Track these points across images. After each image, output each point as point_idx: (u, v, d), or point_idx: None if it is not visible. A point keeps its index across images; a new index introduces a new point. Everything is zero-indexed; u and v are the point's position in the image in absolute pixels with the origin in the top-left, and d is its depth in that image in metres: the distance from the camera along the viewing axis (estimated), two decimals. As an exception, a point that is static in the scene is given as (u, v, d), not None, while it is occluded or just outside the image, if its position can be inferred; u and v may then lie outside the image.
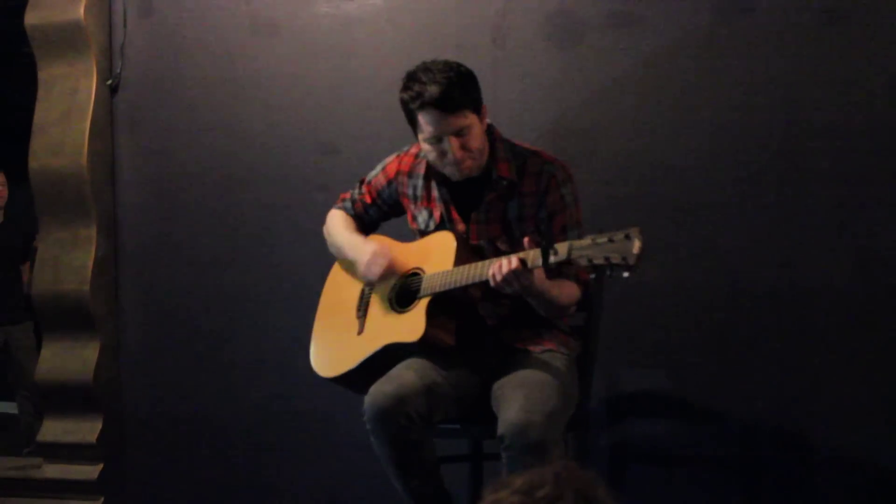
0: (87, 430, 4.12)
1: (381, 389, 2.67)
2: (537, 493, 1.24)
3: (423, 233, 2.92)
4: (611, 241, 2.40)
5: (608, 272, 2.41)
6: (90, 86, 4.09)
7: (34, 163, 4.18)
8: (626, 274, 2.39)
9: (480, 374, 2.80)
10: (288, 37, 3.91)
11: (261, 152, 3.96)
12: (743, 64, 3.33)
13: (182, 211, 4.09)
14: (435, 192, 2.89)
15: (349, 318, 2.98)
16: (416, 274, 2.86)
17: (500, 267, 2.56)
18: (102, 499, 4.10)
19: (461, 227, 2.85)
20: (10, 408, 6.48)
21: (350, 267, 3.03)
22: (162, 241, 4.13)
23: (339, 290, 3.04)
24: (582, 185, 2.90)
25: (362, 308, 2.96)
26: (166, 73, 4.09)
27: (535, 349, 2.81)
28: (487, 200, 2.81)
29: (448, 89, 2.69)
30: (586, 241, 2.44)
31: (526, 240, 2.56)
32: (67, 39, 4.10)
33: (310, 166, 3.88)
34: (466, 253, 2.79)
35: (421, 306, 2.78)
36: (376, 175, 3.03)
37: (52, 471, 4.18)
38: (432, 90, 2.69)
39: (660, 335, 3.44)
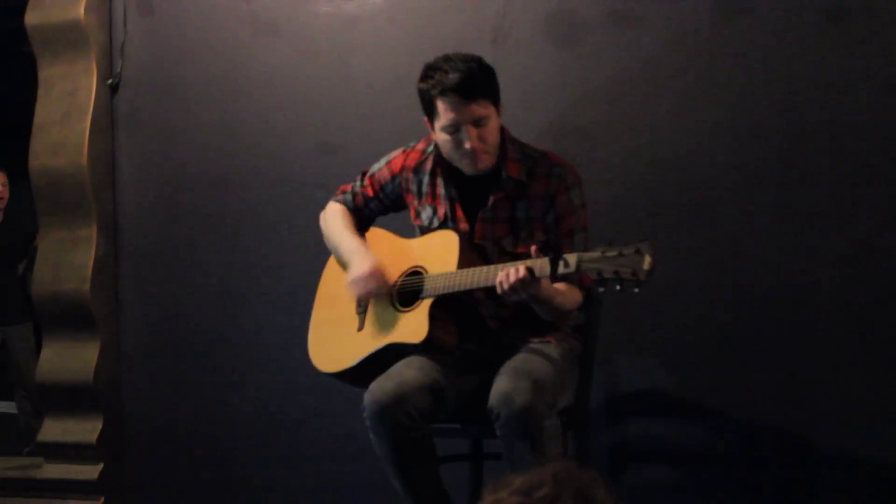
0: (87, 430, 4.12)
1: (382, 387, 2.67)
2: (537, 493, 1.24)
3: (426, 230, 2.91)
4: (621, 254, 2.39)
5: (618, 287, 2.40)
6: (90, 85, 4.09)
7: (34, 162, 4.18)
8: (636, 290, 2.38)
9: (481, 374, 2.80)
10: (288, 36, 3.91)
11: (261, 152, 3.95)
12: (743, 64, 3.33)
13: (182, 210, 4.09)
14: (440, 190, 2.88)
15: (348, 312, 2.97)
16: (417, 273, 2.86)
17: (507, 275, 2.56)
18: (103, 499, 4.10)
19: (464, 226, 2.85)
20: (10, 408, 6.48)
21: None
22: (162, 240, 4.13)
23: (338, 283, 3.02)
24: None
25: (362, 304, 2.95)
26: (166, 72, 4.09)
27: (534, 339, 2.82)
28: (495, 200, 2.81)
29: (469, 77, 2.71)
30: (596, 253, 2.43)
31: (534, 248, 2.56)
32: (68, 39, 4.10)
33: (310, 165, 3.88)
34: (469, 253, 2.79)
35: (424, 307, 2.77)
36: (380, 169, 3.01)
37: (53, 471, 4.18)
38: (454, 77, 2.70)
39: (660, 335, 3.44)
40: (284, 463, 3.94)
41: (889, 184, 3.21)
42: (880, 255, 3.22)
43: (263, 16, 3.94)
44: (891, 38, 3.20)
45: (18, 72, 5.48)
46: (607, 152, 3.48)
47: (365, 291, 2.88)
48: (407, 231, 3.01)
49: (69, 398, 4.14)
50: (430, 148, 2.92)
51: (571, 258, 2.46)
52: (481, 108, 2.73)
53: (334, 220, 3.06)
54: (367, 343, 2.88)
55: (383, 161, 3.01)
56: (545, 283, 2.59)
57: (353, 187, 3.07)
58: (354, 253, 2.95)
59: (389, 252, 2.96)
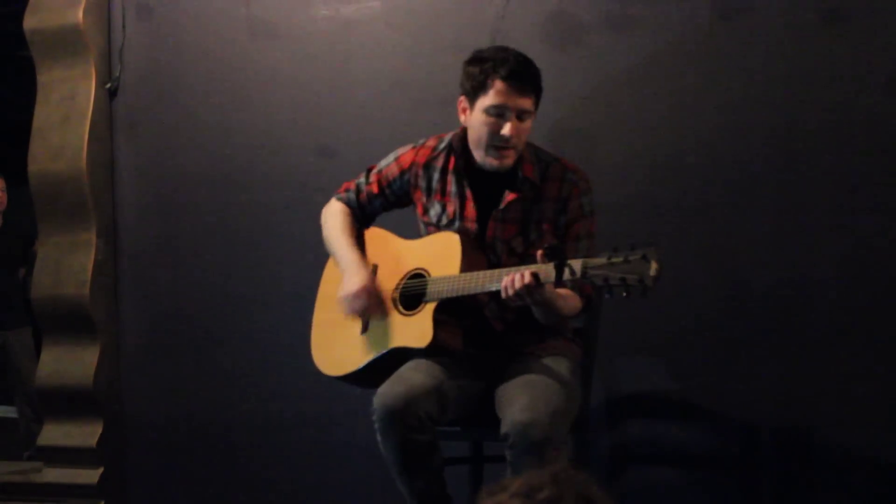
0: (87, 433, 4.12)
1: (391, 390, 2.66)
2: (538, 496, 1.23)
3: (435, 227, 2.90)
4: (627, 261, 2.38)
5: (624, 293, 2.39)
6: (89, 89, 4.09)
7: (33, 167, 4.18)
8: (642, 296, 2.38)
9: (485, 378, 2.80)
10: (286, 40, 3.91)
11: (259, 155, 3.95)
12: (742, 64, 3.33)
13: (181, 214, 4.08)
14: (451, 187, 2.87)
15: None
16: (419, 275, 2.85)
17: (512, 281, 2.56)
18: (103, 502, 4.09)
19: (472, 225, 2.84)
20: (10, 412, 6.46)
21: None
22: (161, 244, 4.12)
23: (339, 283, 2.98)
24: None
25: None
26: (165, 76, 4.09)
27: (540, 353, 2.81)
28: (509, 200, 2.80)
29: (531, 69, 2.75)
30: (601, 259, 2.42)
31: (539, 253, 2.56)
32: (66, 43, 4.10)
33: (308, 169, 3.87)
34: (473, 255, 2.78)
35: (427, 311, 2.77)
36: (388, 165, 2.99)
37: (53, 475, 4.17)
38: (517, 63, 2.72)
39: (659, 335, 3.43)
40: (286, 465, 3.94)
41: (889, 184, 3.20)
42: (880, 255, 3.22)
43: (262, 19, 3.94)
44: (891, 38, 3.19)
45: (17, 76, 5.48)
46: (607, 154, 3.48)
47: (351, 311, 2.88)
48: (408, 232, 3.00)
49: (69, 402, 4.14)
50: (443, 144, 2.91)
51: (577, 264, 2.46)
52: (529, 103, 2.74)
53: (334, 221, 3.04)
54: (370, 347, 2.88)
55: (391, 157, 2.99)
56: (549, 287, 2.59)
57: (357, 184, 3.05)
58: (349, 265, 2.93)
59: (390, 253, 2.95)
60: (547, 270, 2.52)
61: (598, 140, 3.49)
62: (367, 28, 3.79)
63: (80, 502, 4.10)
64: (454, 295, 2.72)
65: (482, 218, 2.83)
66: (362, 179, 3.04)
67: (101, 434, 4.10)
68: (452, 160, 2.86)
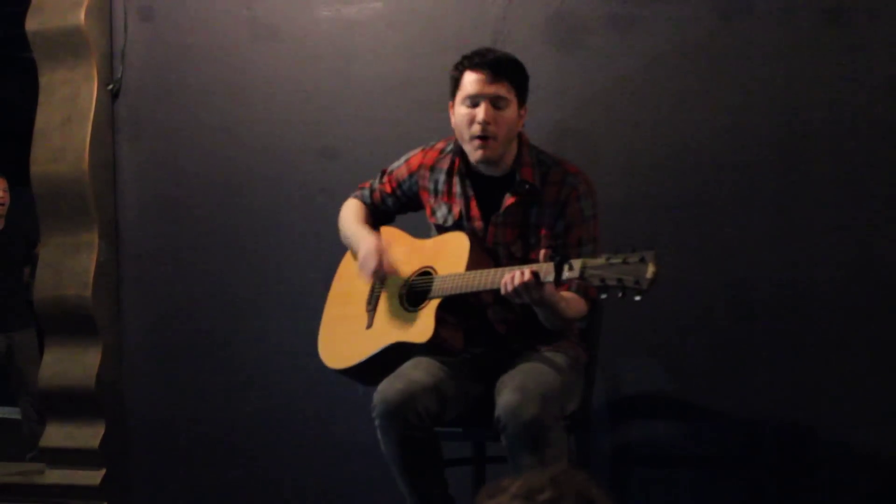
0: (89, 435, 4.12)
1: (392, 386, 2.68)
2: (538, 497, 1.23)
3: (442, 228, 2.92)
4: (625, 262, 2.40)
5: (619, 294, 2.41)
6: (91, 91, 4.09)
7: (35, 168, 4.18)
8: (637, 298, 2.39)
9: (486, 377, 2.80)
10: (288, 41, 3.91)
11: (262, 156, 3.96)
12: (743, 65, 3.33)
13: (183, 215, 4.09)
14: (456, 188, 2.89)
15: (359, 309, 2.99)
16: (427, 273, 2.87)
17: (512, 278, 2.57)
18: (105, 504, 4.11)
19: (478, 224, 2.85)
20: (12, 413, 6.46)
21: None
22: (163, 245, 4.13)
23: (351, 280, 3.04)
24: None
25: (372, 302, 2.97)
26: (167, 77, 4.09)
27: (543, 347, 2.82)
28: (508, 204, 2.81)
29: (503, 60, 2.80)
30: (601, 259, 2.44)
31: (542, 253, 2.57)
32: (68, 44, 4.10)
33: (311, 170, 3.88)
34: (480, 255, 2.80)
35: (430, 308, 2.79)
36: (399, 166, 3.03)
37: (55, 476, 4.18)
38: (486, 52, 2.80)
39: (660, 335, 3.43)
40: (288, 466, 3.94)
41: (889, 184, 3.21)
42: (880, 255, 3.22)
43: (264, 20, 3.94)
44: (891, 38, 3.19)
45: (19, 78, 5.49)
46: (608, 155, 3.48)
47: (366, 271, 2.90)
48: (420, 231, 3.01)
49: (71, 403, 4.14)
50: (450, 147, 2.93)
51: (576, 263, 2.47)
52: (503, 90, 2.76)
53: (347, 213, 3.11)
54: (374, 341, 2.90)
55: (402, 159, 3.04)
56: (550, 288, 2.60)
57: (371, 184, 3.10)
58: (360, 238, 2.99)
59: (403, 251, 2.98)
60: (547, 269, 2.53)
61: (599, 141, 3.50)
62: (369, 29, 3.79)
63: (82, 504, 4.11)
64: (457, 292, 2.73)
65: (486, 221, 2.85)
66: (376, 180, 3.09)
67: (104, 435, 4.11)
68: (457, 162, 2.89)
